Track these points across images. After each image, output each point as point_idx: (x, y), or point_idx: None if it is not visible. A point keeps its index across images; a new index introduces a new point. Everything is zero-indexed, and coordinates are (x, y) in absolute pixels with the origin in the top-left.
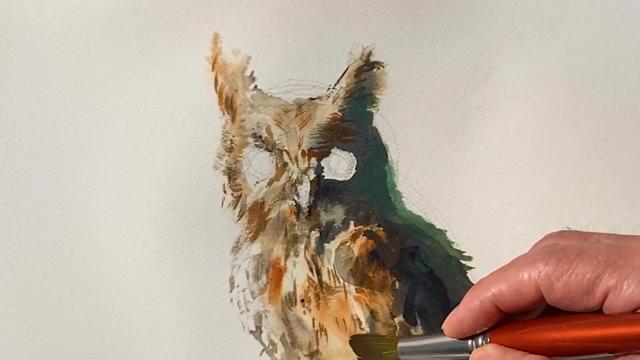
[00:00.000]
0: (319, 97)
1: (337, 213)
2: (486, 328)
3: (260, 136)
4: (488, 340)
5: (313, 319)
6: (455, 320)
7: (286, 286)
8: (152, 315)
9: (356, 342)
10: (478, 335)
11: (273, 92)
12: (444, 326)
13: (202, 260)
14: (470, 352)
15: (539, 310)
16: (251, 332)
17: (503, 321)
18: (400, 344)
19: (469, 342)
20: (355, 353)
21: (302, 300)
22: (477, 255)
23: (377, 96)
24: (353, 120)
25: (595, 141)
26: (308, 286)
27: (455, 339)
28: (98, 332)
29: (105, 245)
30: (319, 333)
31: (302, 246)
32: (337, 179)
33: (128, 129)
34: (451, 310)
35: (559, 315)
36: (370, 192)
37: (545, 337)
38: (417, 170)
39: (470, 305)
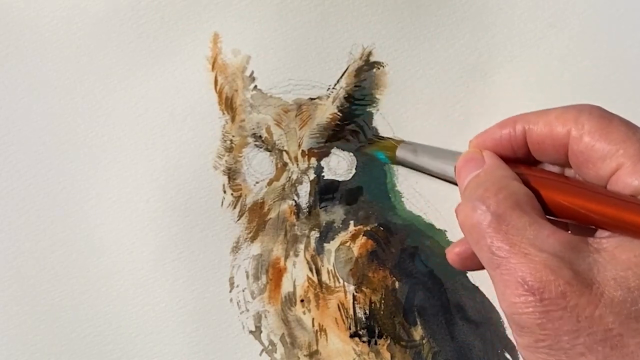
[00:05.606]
0: (318, 97)
1: (337, 213)
2: (505, 155)
3: (260, 136)
4: None
5: (313, 319)
6: (484, 133)
7: (286, 286)
8: (152, 315)
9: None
10: None
11: (273, 92)
12: (472, 139)
13: (202, 260)
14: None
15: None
16: (251, 332)
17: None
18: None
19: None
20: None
21: (302, 301)
22: None
23: (377, 96)
24: (353, 121)
25: None
26: (308, 286)
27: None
28: (98, 332)
29: (105, 245)
30: (318, 333)
31: (301, 246)
32: (337, 179)
33: (128, 129)
34: (451, 311)
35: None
36: (370, 192)
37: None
38: None
39: (503, 127)
